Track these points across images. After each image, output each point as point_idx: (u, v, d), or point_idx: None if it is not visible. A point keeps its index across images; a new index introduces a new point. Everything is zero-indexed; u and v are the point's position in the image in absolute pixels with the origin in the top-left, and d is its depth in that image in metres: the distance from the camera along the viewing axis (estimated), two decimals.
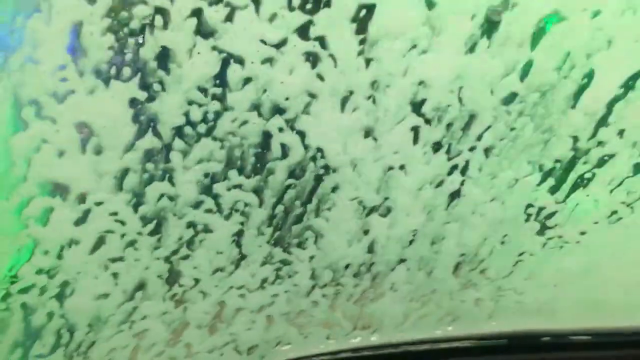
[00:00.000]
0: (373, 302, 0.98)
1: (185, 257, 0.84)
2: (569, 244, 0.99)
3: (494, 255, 0.98)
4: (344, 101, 0.78)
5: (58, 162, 0.69)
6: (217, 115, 0.75)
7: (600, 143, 0.89)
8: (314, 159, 0.82)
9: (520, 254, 1.00)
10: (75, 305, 0.81)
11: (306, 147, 0.80)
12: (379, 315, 1.00)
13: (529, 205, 0.95)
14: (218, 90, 0.74)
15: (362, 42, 0.75)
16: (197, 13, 0.68)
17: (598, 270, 1.03)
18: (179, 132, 0.75)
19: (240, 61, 0.72)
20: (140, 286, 0.84)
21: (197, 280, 0.86)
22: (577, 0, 0.76)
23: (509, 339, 1.08)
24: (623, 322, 1.08)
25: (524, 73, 0.81)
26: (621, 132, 0.88)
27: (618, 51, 0.79)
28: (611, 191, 0.94)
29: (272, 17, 0.70)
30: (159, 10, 0.67)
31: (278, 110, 0.77)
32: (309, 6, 0.71)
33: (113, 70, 0.68)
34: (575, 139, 0.88)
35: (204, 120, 0.75)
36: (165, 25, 0.68)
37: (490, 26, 0.75)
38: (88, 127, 0.69)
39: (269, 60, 0.73)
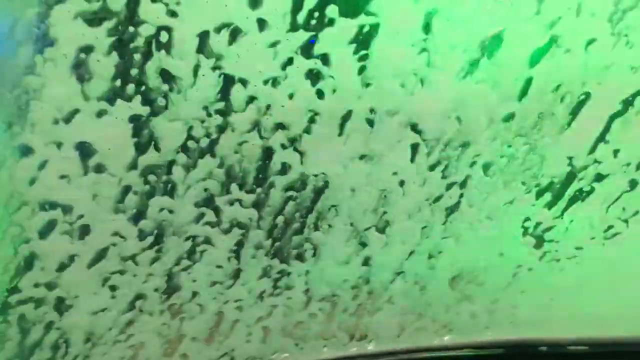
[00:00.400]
0: (370, 314, 1.00)
1: (185, 270, 0.86)
2: (565, 259, 1.02)
3: (490, 268, 1.01)
4: (344, 121, 0.80)
5: (60, 183, 0.71)
6: (220, 132, 0.77)
7: (596, 161, 0.92)
8: (313, 176, 0.84)
9: (518, 267, 1.02)
10: (74, 318, 0.83)
11: (304, 164, 0.83)
12: (376, 327, 1.02)
13: (526, 219, 0.97)
14: (221, 110, 0.76)
15: (362, 62, 0.77)
16: (202, 36, 0.70)
17: (595, 284, 1.05)
18: (182, 149, 0.77)
19: (243, 82, 0.75)
20: (139, 299, 0.86)
21: (195, 293, 0.88)
22: (573, 28, 0.78)
23: (505, 348, 1.10)
24: (620, 332, 1.10)
25: (522, 94, 0.84)
26: (616, 152, 0.91)
27: (612, 74, 0.82)
28: (608, 207, 0.97)
29: (276, 42, 0.72)
30: (164, 31, 0.69)
31: (280, 128, 0.79)
32: (311, 25, 0.73)
33: (117, 92, 0.70)
34: (571, 157, 0.91)
35: (207, 136, 0.77)
36: (169, 47, 0.70)
37: (488, 49, 0.78)
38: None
39: (272, 81, 0.75)
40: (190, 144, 0.76)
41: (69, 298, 0.81)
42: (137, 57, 0.69)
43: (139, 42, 0.69)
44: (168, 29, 0.69)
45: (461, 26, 0.75)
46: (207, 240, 0.85)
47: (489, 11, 0.75)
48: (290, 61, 0.75)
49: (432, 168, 0.87)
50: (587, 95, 0.85)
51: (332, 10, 0.72)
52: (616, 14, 0.79)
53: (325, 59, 0.75)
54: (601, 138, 0.89)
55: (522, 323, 1.09)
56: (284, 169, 0.82)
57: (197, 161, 0.78)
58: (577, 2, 0.77)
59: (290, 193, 0.85)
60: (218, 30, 0.70)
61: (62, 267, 0.79)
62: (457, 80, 0.79)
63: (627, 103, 0.87)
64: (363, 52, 0.76)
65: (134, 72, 0.70)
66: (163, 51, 0.70)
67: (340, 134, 0.81)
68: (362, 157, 0.84)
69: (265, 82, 0.75)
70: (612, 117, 0.88)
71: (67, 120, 0.69)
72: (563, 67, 0.81)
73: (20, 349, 0.81)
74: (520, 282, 1.04)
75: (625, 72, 0.83)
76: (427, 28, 0.75)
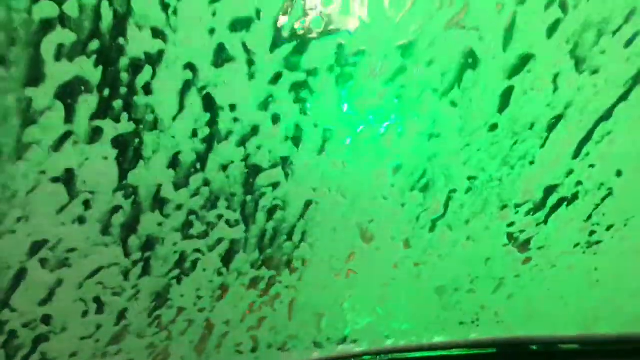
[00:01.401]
0: (357, 323, 1.06)
1: (174, 283, 0.91)
2: (549, 266, 1.08)
3: (478, 275, 1.07)
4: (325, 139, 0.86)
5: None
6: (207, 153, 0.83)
7: (574, 172, 0.98)
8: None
9: (504, 274, 1.08)
10: (63, 336, 0.88)
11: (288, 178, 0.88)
12: (364, 334, 1.08)
13: (510, 225, 1.03)
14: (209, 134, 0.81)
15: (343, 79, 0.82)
16: (190, 66, 0.76)
17: (586, 284, 1.11)
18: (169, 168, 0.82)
19: (231, 108, 0.80)
20: (127, 314, 0.91)
21: (182, 309, 0.94)
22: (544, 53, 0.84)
23: (497, 347, 1.14)
24: (610, 330, 1.15)
25: (501, 108, 0.89)
26: (592, 166, 0.97)
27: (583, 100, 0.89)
28: (589, 215, 1.03)
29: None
30: (153, 58, 0.74)
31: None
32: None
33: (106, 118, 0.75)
34: (552, 166, 0.97)
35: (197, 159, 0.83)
36: (157, 75, 0.75)
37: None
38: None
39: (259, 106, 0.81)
40: (178, 163, 0.82)
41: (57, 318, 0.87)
42: (124, 76, 0.74)
43: (125, 62, 0.73)
44: (157, 53, 0.74)
45: (438, 51, 0.81)
46: (196, 253, 0.90)
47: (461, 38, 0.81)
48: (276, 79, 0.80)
49: (413, 187, 0.93)
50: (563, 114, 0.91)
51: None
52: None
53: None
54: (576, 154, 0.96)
55: (513, 322, 1.13)
56: (271, 185, 0.88)
57: (188, 179, 0.83)
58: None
59: (276, 207, 0.90)
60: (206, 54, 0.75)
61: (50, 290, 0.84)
62: (434, 100, 0.85)
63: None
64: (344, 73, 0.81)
65: (122, 91, 0.74)
66: (151, 72, 0.75)
67: (320, 152, 0.87)
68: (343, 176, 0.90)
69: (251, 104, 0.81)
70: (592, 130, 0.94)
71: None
72: (537, 90, 0.87)
73: None
74: (510, 284, 1.09)
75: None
76: (405, 54, 0.81)
